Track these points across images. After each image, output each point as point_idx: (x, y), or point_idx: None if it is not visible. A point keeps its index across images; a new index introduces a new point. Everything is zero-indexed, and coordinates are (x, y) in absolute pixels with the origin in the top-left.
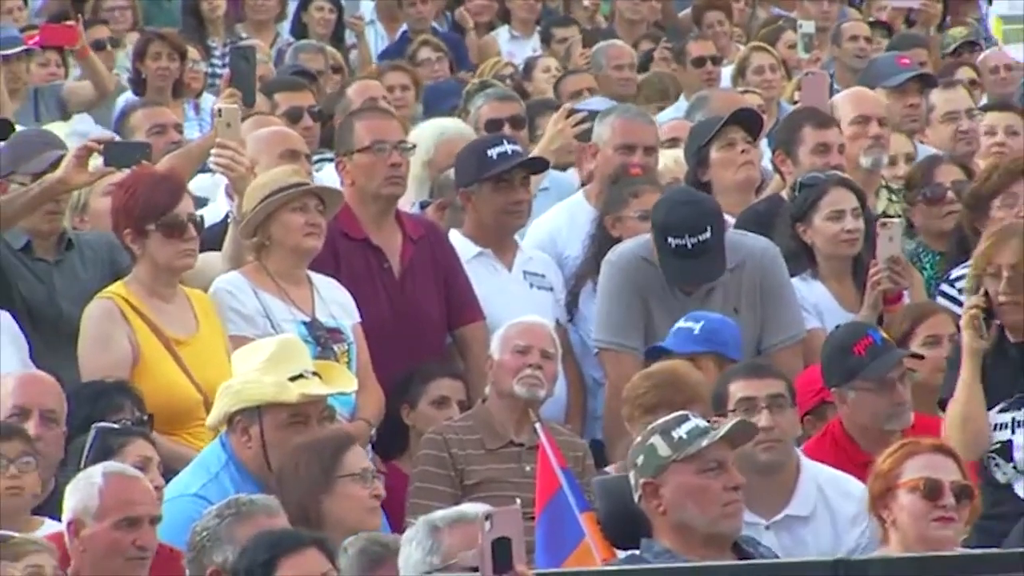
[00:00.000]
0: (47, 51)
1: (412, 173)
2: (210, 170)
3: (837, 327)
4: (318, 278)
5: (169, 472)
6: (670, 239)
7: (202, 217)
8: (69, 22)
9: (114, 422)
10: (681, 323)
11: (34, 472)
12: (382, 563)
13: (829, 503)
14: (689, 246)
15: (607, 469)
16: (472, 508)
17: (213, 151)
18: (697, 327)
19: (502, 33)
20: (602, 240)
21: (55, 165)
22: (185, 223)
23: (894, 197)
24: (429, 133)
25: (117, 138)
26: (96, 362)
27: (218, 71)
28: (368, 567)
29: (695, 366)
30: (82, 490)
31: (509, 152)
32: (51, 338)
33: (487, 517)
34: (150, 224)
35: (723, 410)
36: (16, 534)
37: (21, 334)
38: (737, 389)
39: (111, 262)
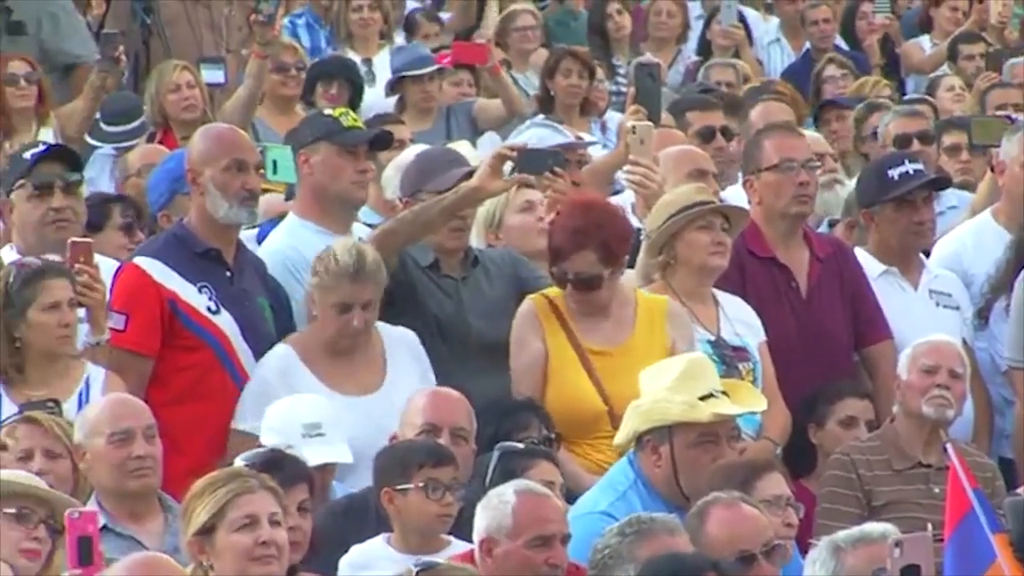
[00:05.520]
0: (459, 70)
1: None
2: (618, 189)
3: None
4: (723, 296)
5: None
6: None
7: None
8: (480, 40)
9: (520, 440)
10: None
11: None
12: None
13: None
14: None
15: (1018, 490)
16: (875, 528)
17: (626, 168)
18: None
19: (923, 41)
20: (1020, 258)
21: (461, 183)
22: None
23: None
24: None
25: (529, 146)
26: (515, 363)
27: (622, 89)
28: None
29: None
30: (495, 508)
31: (911, 172)
32: (460, 353)
33: (897, 544)
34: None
35: None
36: (439, 560)
37: (424, 353)
38: None
39: (516, 277)
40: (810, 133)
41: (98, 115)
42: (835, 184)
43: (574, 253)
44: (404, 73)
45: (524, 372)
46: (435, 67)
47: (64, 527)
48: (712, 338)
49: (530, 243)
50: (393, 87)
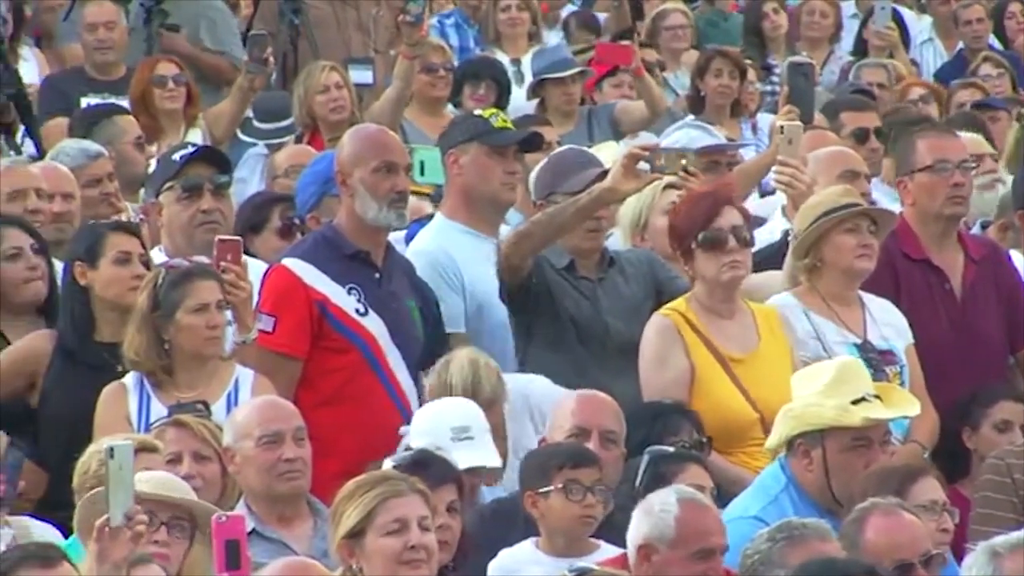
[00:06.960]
0: (619, 72)
1: None
2: (769, 191)
3: None
4: (870, 299)
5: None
6: None
7: (749, 230)
8: (625, 42)
9: (671, 444)
10: None
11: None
12: None
13: None
14: None
15: None
16: None
17: (774, 169)
18: None
19: None
20: None
21: (594, 184)
22: (724, 236)
23: None
24: None
25: (663, 145)
26: (655, 380)
27: (776, 89)
28: None
29: None
30: (657, 516)
31: None
32: (598, 354)
33: None
34: (692, 242)
35: None
36: (592, 565)
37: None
38: None
39: (652, 277)
40: (967, 134)
41: (251, 113)
42: (996, 184)
43: (720, 212)
44: (545, 75)
45: (669, 387)
46: (577, 69)
47: (196, 525)
48: (859, 341)
49: None
50: (535, 90)
